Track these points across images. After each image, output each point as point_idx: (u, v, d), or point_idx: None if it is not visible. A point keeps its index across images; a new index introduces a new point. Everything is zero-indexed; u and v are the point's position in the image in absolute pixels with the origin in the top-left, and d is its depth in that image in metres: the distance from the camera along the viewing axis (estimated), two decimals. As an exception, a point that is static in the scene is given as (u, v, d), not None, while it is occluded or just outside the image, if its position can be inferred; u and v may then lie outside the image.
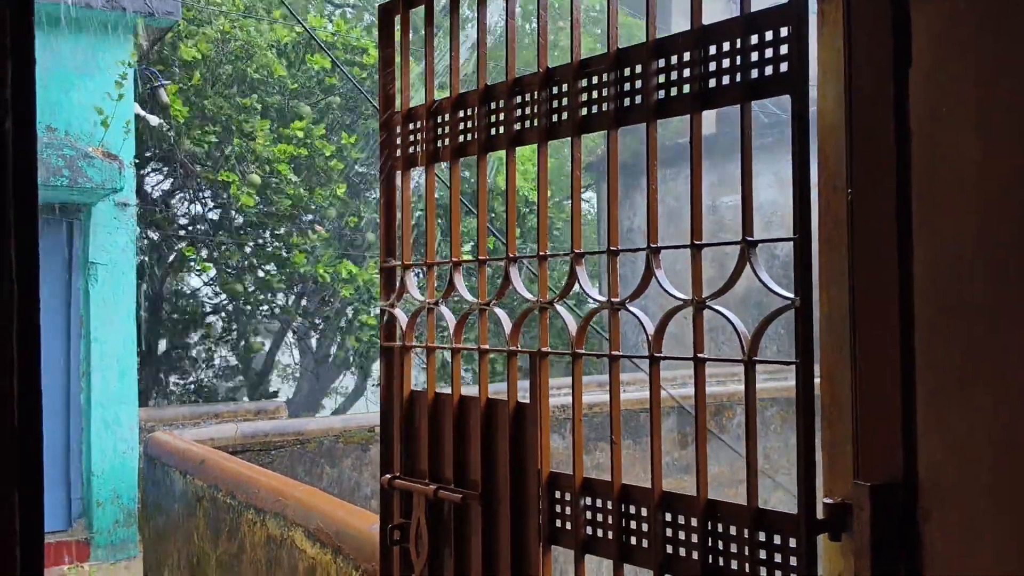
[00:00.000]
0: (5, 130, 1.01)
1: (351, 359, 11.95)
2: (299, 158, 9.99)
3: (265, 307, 11.06)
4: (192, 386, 11.15)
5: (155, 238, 10.37)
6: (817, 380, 1.74)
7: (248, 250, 10.47)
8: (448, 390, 2.48)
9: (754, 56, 1.83)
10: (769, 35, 1.81)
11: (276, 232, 10.47)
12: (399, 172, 2.64)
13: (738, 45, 1.86)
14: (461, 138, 2.44)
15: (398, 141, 2.63)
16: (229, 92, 9.74)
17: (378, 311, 10.39)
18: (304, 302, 11.24)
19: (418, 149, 2.57)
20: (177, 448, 5.95)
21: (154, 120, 8.46)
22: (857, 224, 1.71)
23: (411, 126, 2.59)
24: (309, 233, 10.40)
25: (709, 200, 12.66)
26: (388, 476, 2.59)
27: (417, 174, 2.99)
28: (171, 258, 10.53)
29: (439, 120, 2.51)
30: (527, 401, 2.26)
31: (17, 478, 1.02)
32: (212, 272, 10.68)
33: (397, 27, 2.62)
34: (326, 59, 10.30)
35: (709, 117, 11.43)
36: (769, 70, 1.81)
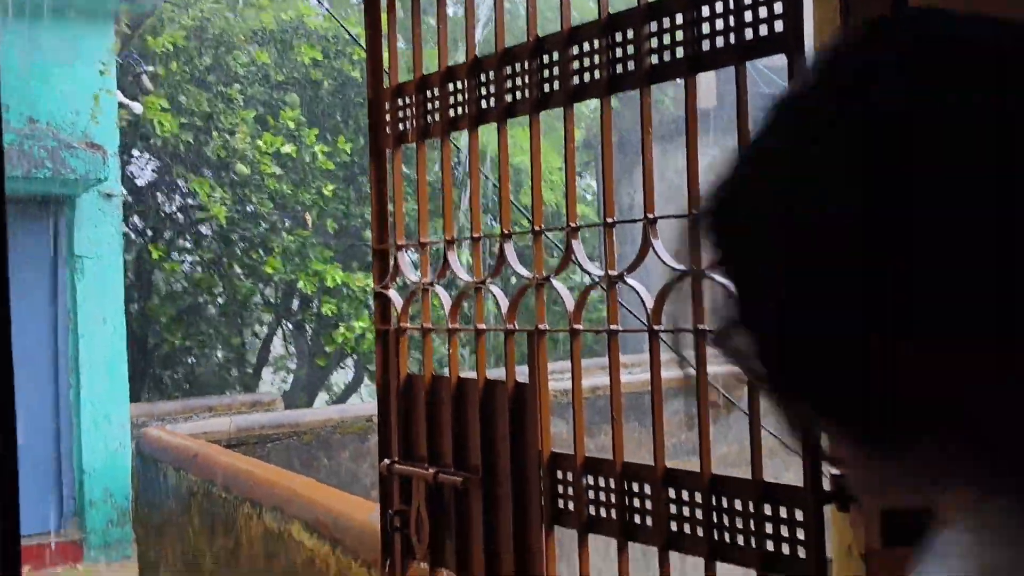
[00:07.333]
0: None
1: (346, 351, 11.95)
2: (285, 156, 9.72)
3: (257, 299, 11.03)
4: (185, 379, 11.16)
5: (143, 229, 10.35)
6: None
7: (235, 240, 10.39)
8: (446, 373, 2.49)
9: (748, 16, 1.83)
10: (763, -7, 1.81)
11: (251, 234, 10.23)
12: (388, 150, 2.65)
13: (731, 5, 1.85)
14: (452, 112, 2.44)
15: (387, 118, 2.63)
16: (209, 81, 9.62)
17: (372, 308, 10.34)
18: (295, 302, 11.19)
19: (408, 125, 2.57)
20: (170, 444, 5.97)
21: (137, 108, 8.45)
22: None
23: (400, 102, 2.59)
24: (285, 235, 10.05)
25: (712, 174, 12.61)
26: (387, 461, 2.60)
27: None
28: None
29: (428, 95, 2.50)
30: (526, 381, 2.27)
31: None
32: (191, 262, 10.62)
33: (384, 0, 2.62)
34: (315, 50, 10.14)
35: (710, 90, 11.39)
36: (764, 29, 1.81)
